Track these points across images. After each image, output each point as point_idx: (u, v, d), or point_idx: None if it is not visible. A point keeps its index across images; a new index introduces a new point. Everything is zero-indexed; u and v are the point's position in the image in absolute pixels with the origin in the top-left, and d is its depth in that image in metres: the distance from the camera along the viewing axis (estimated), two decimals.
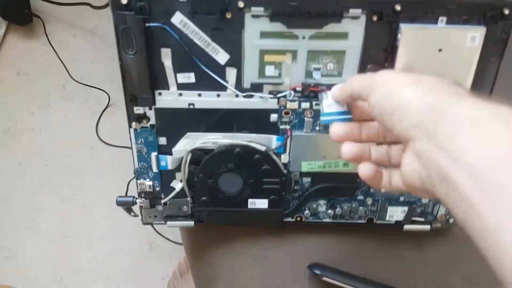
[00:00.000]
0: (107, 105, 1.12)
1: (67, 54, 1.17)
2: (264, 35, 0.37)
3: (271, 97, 0.40)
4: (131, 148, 0.42)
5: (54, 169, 1.11)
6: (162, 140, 0.42)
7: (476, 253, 0.23)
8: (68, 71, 1.14)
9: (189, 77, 0.39)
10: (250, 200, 0.45)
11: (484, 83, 0.39)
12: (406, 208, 0.47)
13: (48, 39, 1.14)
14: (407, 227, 0.47)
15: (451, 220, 0.47)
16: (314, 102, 0.41)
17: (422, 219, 0.47)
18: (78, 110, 1.15)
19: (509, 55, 0.38)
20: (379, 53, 0.38)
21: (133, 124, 0.41)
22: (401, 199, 0.46)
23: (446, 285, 0.49)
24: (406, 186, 0.29)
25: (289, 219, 0.47)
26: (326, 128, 0.42)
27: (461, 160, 0.22)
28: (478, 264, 0.24)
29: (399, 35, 0.36)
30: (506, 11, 0.35)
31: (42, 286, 1.05)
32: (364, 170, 0.32)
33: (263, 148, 0.42)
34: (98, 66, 1.17)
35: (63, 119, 1.14)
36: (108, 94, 1.11)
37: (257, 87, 0.40)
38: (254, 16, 0.36)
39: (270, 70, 0.39)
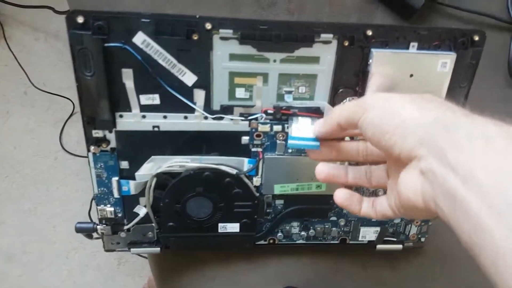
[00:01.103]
0: (72, 113, 1.07)
1: (28, 59, 1.11)
2: (233, 57, 0.35)
3: (242, 119, 0.39)
4: (90, 172, 0.39)
5: (14, 180, 1.05)
6: (124, 164, 0.39)
7: (448, 272, 0.23)
8: (28, 77, 1.09)
9: (153, 99, 0.37)
10: (220, 225, 0.43)
11: None
12: (378, 228, 0.46)
13: (7, 43, 1.07)
14: (379, 246, 0.47)
15: (422, 239, 0.47)
16: (286, 125, 0.39)
17: (394, 239, 0.47)
18: (41, 118, 1.09)
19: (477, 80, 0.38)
20: (351, 77, 0.37)
21: (92, 148, 0.38)
22: (373, 219, 0.46)
23: None
24: (405, 208, 0.27)
25: (262, 242, 0.46)
26: (299, 150, 0.41)
27: (472, 179, 0.21)
28: (450, 282, 0.23)
29: (371, 60, 0.35)
30: (476, 37, 0.35)
31: None
32: (339, 195, 0.31)
33: (234, 171, 0.40)
34: (61, 72, 1.11)
35: (24, 128, 1.08)
36: (72, 102, 1.06)
37: (227, 109, 0.38)
38: (222, 38, 0.34)
39: (240, 93, 0.37)
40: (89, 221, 0.43)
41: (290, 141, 0.35)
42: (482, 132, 0.22)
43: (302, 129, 0.34)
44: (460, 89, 0.37)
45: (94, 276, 1.00)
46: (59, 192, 1.04)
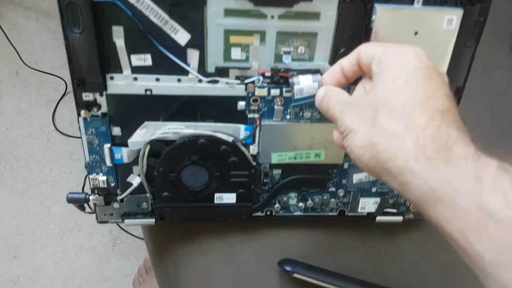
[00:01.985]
0: (64, 92, 1.05)
1: (19, 38, 1.08)
2: (228, 13, 0.33)
3: (238, 83, 0.37)
4: (81, 138, 0.38)
5: (7, 161, 1.03)
6: (116, 130, 0.38)
7: (448, 245, 0.23)
8: (20, 56, 1.06)
9: (145, 59, 0.35)
10: (216, 195, 0.42)
11: (460, 68, 0.37)
12: (378, 200, 0.45)
13: None
14: (379, 218, 0.46)
15: None
16: (284, 89, 0.38)
17: (394, 210, 0.46)
18: (33, 98, 1.07)
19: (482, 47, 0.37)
20: (353, 36, 0.35)
21: (82, 112, 0.37)
22: (373, 190, 0.45)
23: (420, 276, 0.48)
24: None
25: (259, 214, 0.45)
26: (297, 117, 0.39)
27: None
28: (452, 254, 0.23)
29: (374, 16, 0.33)
30: None
31: None
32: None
33: (230, 139, 0.39)
34: (53, 51, 1.09)
35: (16, 108, 1.06)
36: (65, 81, 1.03)
37: (222, 72, 0.36)
38: None
39: (236, 53, 0.36)
40: (82, 191, 0.42)
41: (293, 104, 0.34)
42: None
43: (305, 89, 0.32)
44: (466, 49, 0.36)
45: (89, 257, 0.99)
46: (53, 173, 1.02)
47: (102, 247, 0.98)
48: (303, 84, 0.33)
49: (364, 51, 0.29)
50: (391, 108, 0.25)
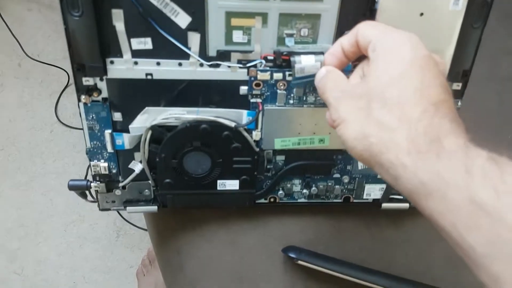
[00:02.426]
0: (67, 84, 1.05)
1: (21, 30, 1.08)
2: None
3: (240, 67, 0.36)
4: (81, 124, 0.37)
5: (10, 153, 1.03)
6: (117, 116, 0.37)
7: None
8: (23, 48, 1.06)
9: (145, 43, 0.34)
10: (219, 181, 0.41)
11: (467, 50, 0.36)
12: (384, 186, 0.44)
13: (0, 13, 1.04)
14: (385, 205, 0.45)
15: None
16: (287, 73, 0.37)
17: (400, 197, 0.45)
18: (35, 90, 1.07)
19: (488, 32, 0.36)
20: (357, 17, 0.34)
21: (82, 97, 0.36)
22: (379, 176, 0.44)
23: (427, 264, 0.47)
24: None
25: (262, 201, 0.44)
26: (300, 101, 0.38)
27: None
28: None
29: None
30: None
31: (0, 278, 0.99)
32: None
33: (232, 124, 0.38)
34: (56, 43, 1.08)
35: (19, 100, 1.06)
36: (67, 73, 1.03)
37: (224, 56, 0.36)
38: None
39: (238, 36, 0.35)
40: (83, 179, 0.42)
41: (294, 82, 0.34)
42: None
43: (306, 69, 0.32)
44: (473, 30, 0.35)
45: (92, 248, 0.99)
46: (56, 165, 1.02)
47: (106, 239, 0.98)
48: (304, 63, 0.32)
49: (361, 33, 0.28)
50: (384, 100, 0.25)
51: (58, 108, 1.05)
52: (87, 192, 0.42)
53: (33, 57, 1.06)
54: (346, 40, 0.30)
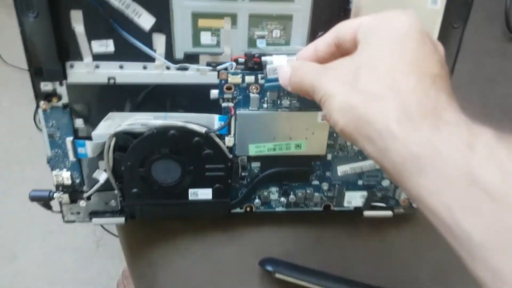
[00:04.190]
0: None
1: (0, 36, 1.05)
2: None
3: (209, 70, 0.34)
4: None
5: None
6: (79, 122, 0.35)
7: (442, 241, 0.20)
8: (0, 55, 1.03)
9: (107, 45, 0.32)
10: (191, 190, 0.39)
11: (448, 50, 0.34)
12: (365, 193, 0.43)
13: None
14: (367, 213, 0.43)
15: (414, 205, 0.43)
16: (260, 76, 0.35)
17: (383, 205, 0.43)
18: (14, 96, 1.04)
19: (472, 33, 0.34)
20: (331, 18, 0.33)
21: (41, 103, 0.34)
22: (360, 182, 0.42)
23: (412, 274, 0.45)
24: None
25: (238, 210, 0.42)
26: (275, 105, 0.37)
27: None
28: (446, 251, 0.20)
29: None
30: None
31: None
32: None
33: (203, 130, 0.36)
34: None
35: None
36: None
37: (192, 58, 0.34)
38: None
39: (206, 38, 0.33)
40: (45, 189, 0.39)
41: (267, 84, 0.32)
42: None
43: (278, 69, 0.30)
44: (453, 30, 0.34)
45: (72, 259, 0.95)
46: (34, 173, 0.99)
47: (85, 249, 0.95)
48: (276, 63, 0.31)
49: (345, 24, 0.26)
50: (373, 68, 0.22)
51: (37, 115, 1.02)
52: (51, 203, 0.39)
53: (11, 63, 1.03)
54: (322, 40, 0.28)
